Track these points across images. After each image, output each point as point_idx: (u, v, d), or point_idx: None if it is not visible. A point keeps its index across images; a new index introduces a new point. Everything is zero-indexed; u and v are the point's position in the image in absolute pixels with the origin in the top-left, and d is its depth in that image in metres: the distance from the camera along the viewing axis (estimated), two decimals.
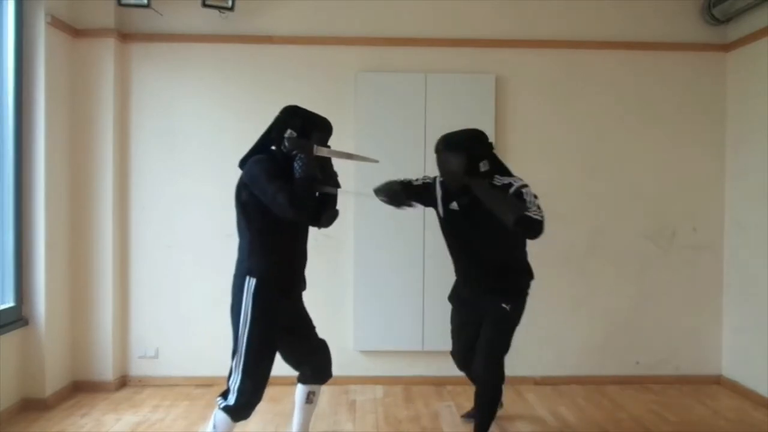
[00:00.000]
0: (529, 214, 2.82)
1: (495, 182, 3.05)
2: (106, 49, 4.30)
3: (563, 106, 4.56)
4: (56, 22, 4.01)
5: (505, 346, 3.27)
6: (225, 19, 4.40)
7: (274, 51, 4.47)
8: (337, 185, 2.92)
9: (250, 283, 2.71)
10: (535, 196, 2.96)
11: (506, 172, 3.15)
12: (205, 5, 4.20)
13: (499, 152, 4.44)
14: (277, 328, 2.78)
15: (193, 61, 4.47)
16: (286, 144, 2.72)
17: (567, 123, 4.58)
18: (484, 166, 3.05)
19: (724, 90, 4.60)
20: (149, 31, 4.43)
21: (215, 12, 4.32)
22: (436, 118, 4.45)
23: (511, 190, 2.98)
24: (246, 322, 2.69)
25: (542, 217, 2.85)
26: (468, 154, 3.03)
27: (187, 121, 4.47)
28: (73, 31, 4.25)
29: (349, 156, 2.92)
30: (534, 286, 4.51)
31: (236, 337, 2.72)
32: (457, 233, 3.28)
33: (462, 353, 3.53)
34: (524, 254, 3.31)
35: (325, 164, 2.85)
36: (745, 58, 4.39)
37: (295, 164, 2.66)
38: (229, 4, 4.26)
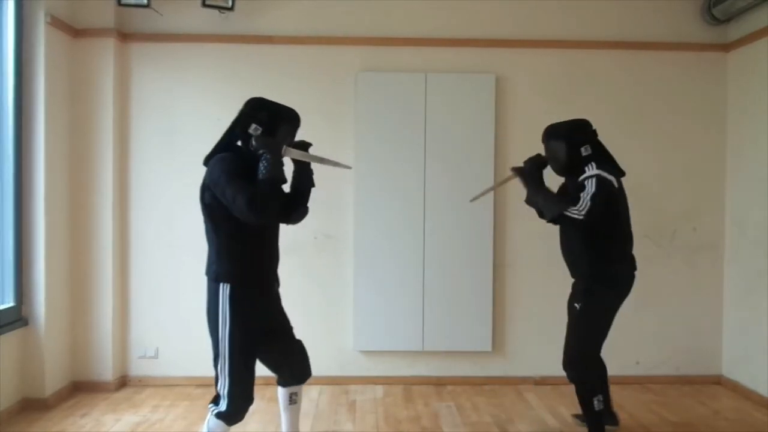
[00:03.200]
0: (567, 213, 3.02)
1: (585, 170, 3.14)
2: (106, 49, 4.30)
3: (563, 106, 4.54)
4: (56, 22, 4.01)
5: (582, 346, 3.27)
6: (225, 19, 4.40)
7: (274, 51, 4.47)
8: (312, 184, 2.84)
9: (225, 288, 2.63)
10: (600, 187, 3.03)
11: (609, 159, 3.25)
12: (205, 5, 4.20)
13: (499, 152, 4.51)
14: (257, 329, 2.72)
15: (193, 61, 4.47)
16: (254, 143, 2.59)
17: None
18: (585, 151, 3.17)
19: (724, 90, 4.60)
20: (149, 31, 4.42)
21: (215, 12, 4.32)
22: (436, 118, 4.45)
23: (580, 178, 3.10)
24: (225, 326, 2.63)
25: (583, 215, 2.99)
26: (568, 141, 3.18)
27: (187, 121, 4.46)
28: (73, 31, 4.25)
29: (321, 160, 2.76)
30: (535, 285, 4.56)
31: (217, 342, 2.66)
32: (560, 228, 3.40)
33: None
34: (606, 247, 3.24)
35: (303, 162, 2.77)
36: (746, 58, 4.39)
37: (260, 164, 2.53)
38: (229, 4, 4.26)
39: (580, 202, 3.02)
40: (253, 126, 2.63)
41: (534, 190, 3.21)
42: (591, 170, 3.11)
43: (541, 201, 3.16)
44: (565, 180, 3.35)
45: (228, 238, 2.66)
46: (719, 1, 4.37)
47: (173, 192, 4.45)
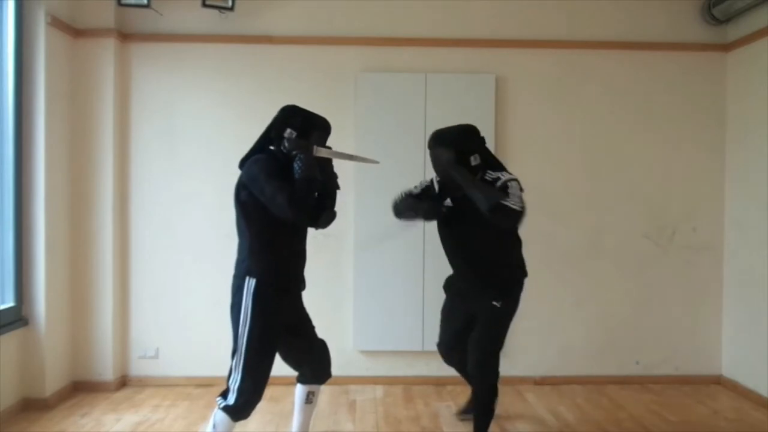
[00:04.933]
0: (504, 202, 2.85)
1: (486, 177, 3.06)
2: (106, 49, 4.30)
3: (563, 106, 4.56)
4: (56, 23, 4.01)
5: (497, 344, 3.24)
6: (225, 19, 4.40)
7: (274, 51, 4.47)
8: (337, 186, 2.92)
9: (250, 283, 2.71)
10: (522, 190, 2.97)
11: (499, 167, 3.14)
12: (205, 5, 4.20)
13: (499, 152, 4.50)
14: (277, 328, 2.78)
15: (193, 61, 4.47)
16: (286, 144, 2.73)
17: (567, 123, 4.58)
18: (474, 160, 3.06)
19: (724, 90, 4.60)
20: (149, 31, 4.42)
21: (215, 12, 4.32)
22: (436, 118, 4.43)
23: (498, 183, 3.00)
24: (246, 321, 2.70)
25: (521, 207, 2.87)
26: (457, 149, 3.05)
27: (187, 122, 4.47)
28: (73, 31, 4.25)
29: (350, 157, 2.91)
30: (534, 285, 4.52)
31: (236, 337, 2.73)
32: (450, 229, 3.28)
33: (446, 343, 3.52)
34: (517, 250, 3.27)
35: (326, 164, 2.85)
36: (745, 58, 4.39)
37: (295, 164, 2.66)
38: (229, 4, 4.26)
39: (512, 196, 2.89)
40: (288, 131, 2.74)
41: (468, 181, 2.98)
42: (505, 174, 3.03)
43: (479, 190, 2.93)
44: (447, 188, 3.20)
45: (259, 236, 2.75)
46: (719, 1, 4.37)
47: (174, 192, 4.46)
